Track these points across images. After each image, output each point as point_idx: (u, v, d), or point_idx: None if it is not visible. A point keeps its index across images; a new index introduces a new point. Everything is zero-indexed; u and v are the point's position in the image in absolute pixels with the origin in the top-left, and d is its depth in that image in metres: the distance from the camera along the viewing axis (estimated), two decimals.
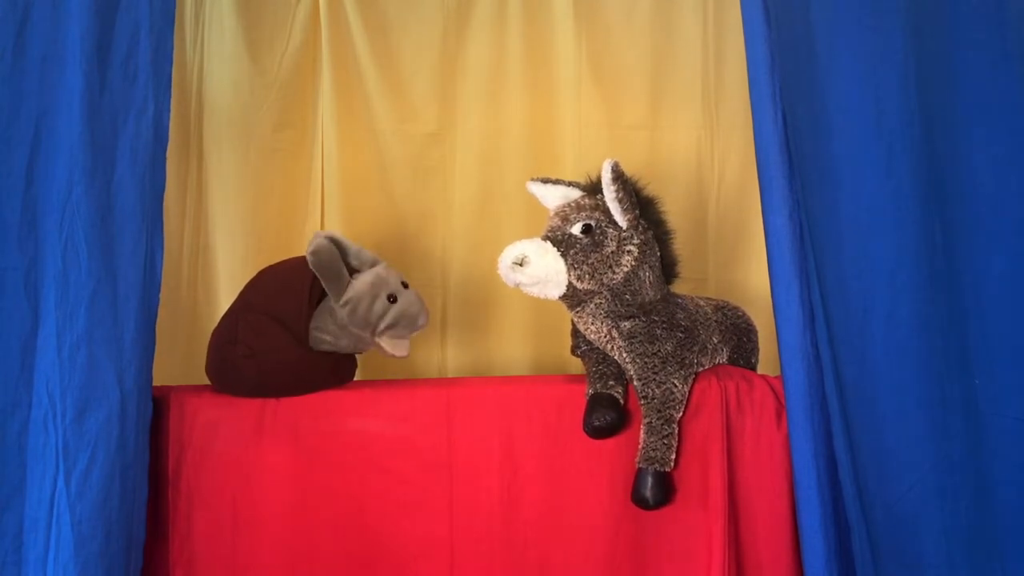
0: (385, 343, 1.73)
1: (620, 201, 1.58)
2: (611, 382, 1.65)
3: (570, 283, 1.58)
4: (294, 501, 1.62)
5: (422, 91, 2.21)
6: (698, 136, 2.24)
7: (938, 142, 1.25)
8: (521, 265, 1.56)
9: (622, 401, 1.63)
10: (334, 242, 1.70)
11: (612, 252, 1.60)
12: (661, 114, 2.24)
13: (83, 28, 1.37)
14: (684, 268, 1.76)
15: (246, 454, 1.62)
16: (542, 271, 1.57)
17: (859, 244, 1.32)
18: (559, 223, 1.63)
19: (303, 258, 1.75)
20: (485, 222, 2.22)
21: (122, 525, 1.41)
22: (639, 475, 1.58)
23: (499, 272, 1.59)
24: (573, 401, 1.65)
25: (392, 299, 1.72)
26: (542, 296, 1.61)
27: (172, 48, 1.49)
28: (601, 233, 1.60)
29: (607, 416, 1.58)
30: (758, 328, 1.89)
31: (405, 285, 1.76)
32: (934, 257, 1.25)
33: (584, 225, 1.60)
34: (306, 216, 2.20)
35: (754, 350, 1.88)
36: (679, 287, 1.76)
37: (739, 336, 1.84)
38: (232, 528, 1.61)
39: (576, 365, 1.83)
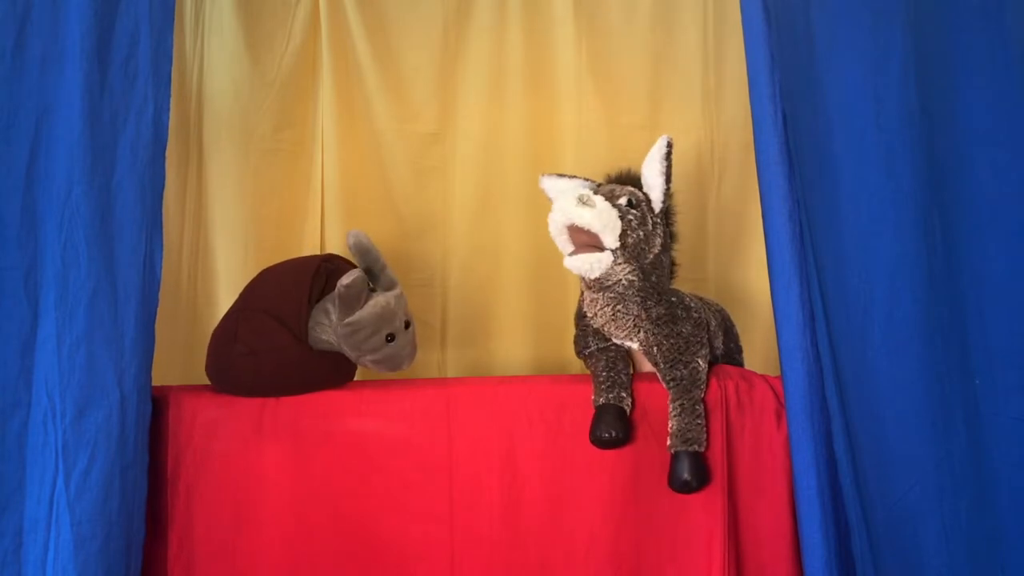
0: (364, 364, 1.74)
1: (664, 175, 1.59)
2: (622, 393, 1.63)
3: (620, 245, 1.56)
4: (294, 501, 1.62)
5: (422, 91, 2.21)
6: (698, 136, 2.24)
7: (938, 142, 1.25)
8: (587, 204, 1.52)
9: (629, 413, 1.62)
10: (365, 264, 1.69)
11: (650, 232, 1.60)
12: (661, 114, 2.24)
13: (83, 28, 1.37)
14: (684, 268, 1.77)
15: (246, 454, 1.62)
16: (607, 216, 1.54)
17: (859, 244, 1.32)
18: (607, 193, 1.61)
19: (303, 258, 1.76)
20: (485, 222, 2.22)
21: (122, 525, 1.41)
22: (675, 459, 1.57)
23: (551, 219, 1.55)
24: (574, 401, 1.65)
25: (390, 338, 1.71)
26: (584, 265, 1.55)
27: (172, 48, 1.49)
28: (643, 210, 1.60)
29: (614, 430, 1.57)
30: (758, 328, 1.90)
31: (407, 324, 1.75)
32: (934, 257, 1.25)
33: (630, 199, 1.60)
34: (306, 216, 2.20)
35: (738, 344, 1.90)
36: (680, 287, 1.77)
37: (726, 328, 1.86)
38: (232, 528, 1.61)
39: (576, 365, 1.83)
